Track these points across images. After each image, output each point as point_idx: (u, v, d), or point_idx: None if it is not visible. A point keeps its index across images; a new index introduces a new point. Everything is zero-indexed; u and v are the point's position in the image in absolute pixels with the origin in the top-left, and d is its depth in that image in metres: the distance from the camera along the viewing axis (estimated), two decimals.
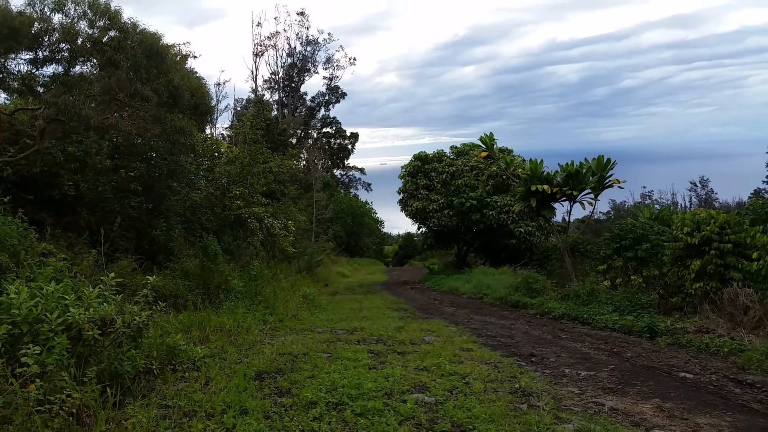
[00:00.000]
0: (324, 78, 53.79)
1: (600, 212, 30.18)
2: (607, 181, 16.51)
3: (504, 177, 23.52)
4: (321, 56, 51.80)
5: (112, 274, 5.93)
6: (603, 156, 16.45)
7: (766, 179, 34.62)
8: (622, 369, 7.10)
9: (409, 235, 56.99)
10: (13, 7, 9.70)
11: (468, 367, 6.83)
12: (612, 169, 16.46)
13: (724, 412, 5.20)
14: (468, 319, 12.47)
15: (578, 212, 21.97)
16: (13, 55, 10.19)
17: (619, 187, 17.04)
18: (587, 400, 5.60)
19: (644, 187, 36.40)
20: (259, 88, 49.17)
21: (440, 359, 7.21)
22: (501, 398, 5.51)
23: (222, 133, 36.23)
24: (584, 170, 16.54)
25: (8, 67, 10.35)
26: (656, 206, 25.89)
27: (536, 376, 6.57)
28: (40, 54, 10.29)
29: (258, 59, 48.61)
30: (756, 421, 4.99)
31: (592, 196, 16.86)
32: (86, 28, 10.37)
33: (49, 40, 10.14)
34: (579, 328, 11.04)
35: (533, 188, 16.67)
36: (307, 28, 50.48)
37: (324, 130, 56.34)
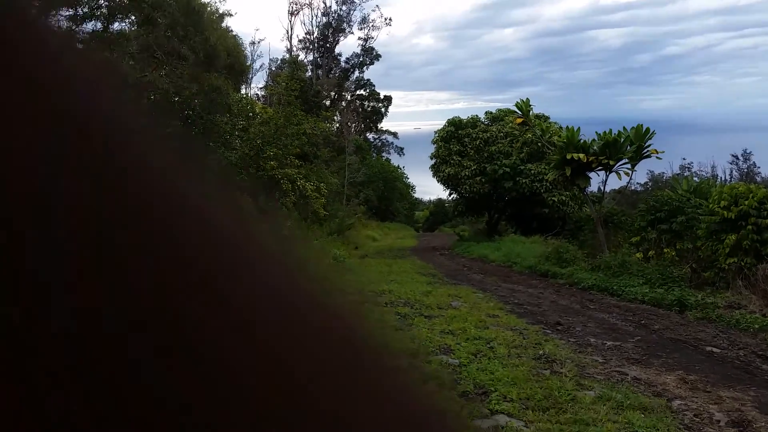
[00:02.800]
0: (359, 39, 53.31)
1: (637, 183, 29.58)
2: (646, 151, 16.16)
3: (539, 144, 23.13)
4: (356, 16, 51.42)
5: None
6: (642, 125, 16.05)
7: None
8: (648, 341, 7.10)
9: (440, 201, 56.76)
10: None
11: (493, 333, 6.93)
12: (651, 139, 16.07)
13: (748, 387, 5.19)
14: (496, 286, 12.53)
15: (614, 183, 21.55)
16: (53, 12, 10.39)
17: (657, 158, 16.68)
18: (611, 369, 5.66)
19: (684, 159, 35.46)
20: (294, 48, 49.10)
21: (466, 324, 7.32)
22: (524, 363, 5.60)
23: (257, 93, 36.46)
24: (622, 139, 16.20)
25: (48, 23, 10.58)
26: (695, 179, 25.24)
27: (561, 344, 6.63)
28: (80, 11, 10.47)
29: (293, 18, 48.46)
30: None
31: (629, 166, 16.55)
32: None
33: None
34: (608, 299, 11.00)
35: (569, 156, 16.41)
36: None
37: (358, 92, 56.05)
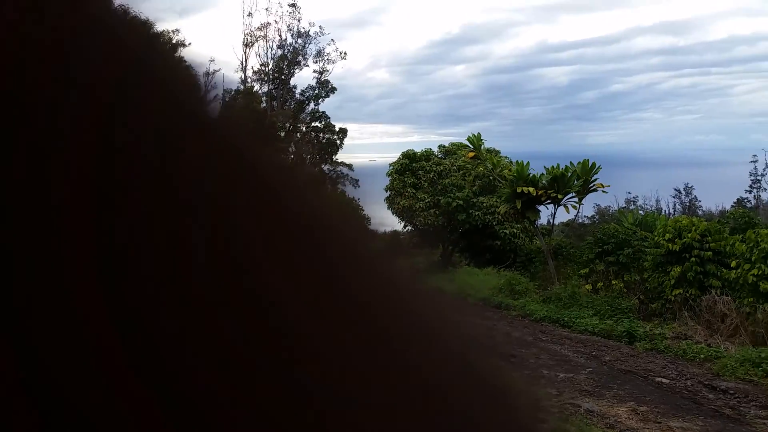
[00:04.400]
0: (314, 71, 53.44)
1: (584, 216, 30.37)
2: (592, 185, 16.68)
3: (491, 178, 23.58)
4: (312, 49, 51.35)
5: None
6: (588, 160, 16.60)
7: (748, 188, 35.15)
8: (600, 372, 7.22)
9: (394, 233, 57.07)
10: None
11: None
12: (597, 173, 16.62)
13: (696, 417, 5.32)
14: None
15: (563, 216, 22.08)
16: None
17: (603, 191, 17.26)
18: (564, 402, 5.70)
19: (629, 193, 36.71)
20: (249, 80, 48.90)
21: None
22: None
23: None
24: (569, 174, 16.69)
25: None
26: (640, 212, 26.15)
27: (515, 377, 6.64)
28: None
29: (248, 50, 48.21)
30: (726, 426, 5.11)
31: (576, 199, 17.03)
32: None
33: None
34: (560, 330, 11.15)
35: (519, 190, 16.79)
36: (299, 20, 50.03)
37: (313, 124, 56.01)
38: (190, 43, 50.59)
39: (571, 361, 7.95)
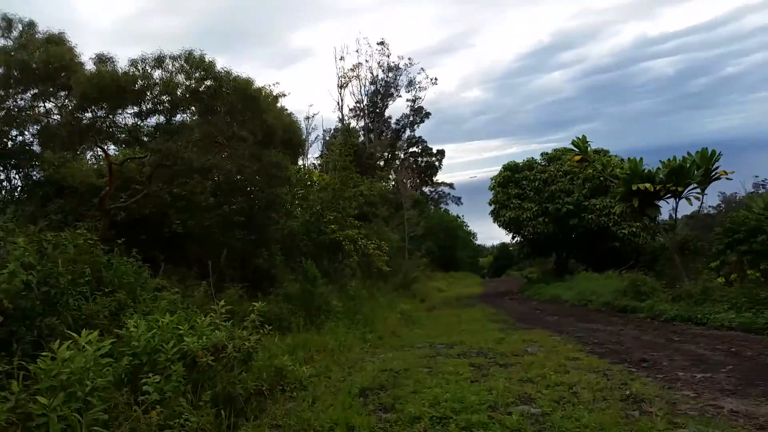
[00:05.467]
0: (407, 100, 54.62)
1: (709, 206, 28.27)
2: (714, 173, 15.57)
3: (601, 179, 22.73)
4: (403, 80, 52.53)
5: (222, 302, 6.32)
6: (707, 148, 15.56)
7: None
8: (742, 369, 6.63)
9: (503, 245, 55.98)
10: (119, 69, 10.70)
11: (575, 377, 6.62)
12: (718, 160, 15.50)
13: None
14: (572, 327, 12.08)
15: (685, 208, 20.68)
16: (120, 111, 11.20)
17: (727, 178, 16.00)
18: (704, 404, 5.29)
19: (756, 176, 33.71)
20: (346, 117, 50.64)
21: (545, 370, 7.04)
22: (611, 406, 5.31)
23: (313, 163, 37.53)
24: (688, 165, 15.71)
25: (116, 121, 11.36)
26: None
27: (648, 382, 6.27)
28: (143, 107, 11.22)
29: (343, 90, 50.08)
30: None
31: (698, 190, 15.96)
32: (184, 80, 11.24)
33: (151, 94, 11.07)
34: (693, 329, 10.42)
35: (634, 188, 16.02)
36: (388, 56, 51.62)
37: (410, 149, 56.93)
38: (289, 93, 53.10)
39: (708, 359, 7.36)
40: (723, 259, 14.22)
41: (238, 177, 13.36)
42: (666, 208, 17.10)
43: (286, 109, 17.27)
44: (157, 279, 8.46)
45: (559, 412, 5.23)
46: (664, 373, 6.80)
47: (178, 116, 11.90)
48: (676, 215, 17.58)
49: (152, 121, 11.72)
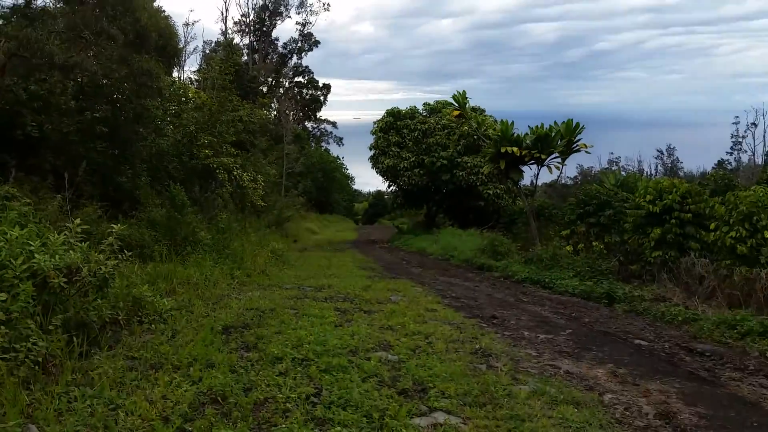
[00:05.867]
0: (297, 23, 52.40)
1: (567, 177, 30.65)
2: (575, 145, 16.66)
3: (475, 137, 23.50)
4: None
5: (78, 221, 5.82)
6: (572, 120, 16.50)
7: (729, 150, 35.51)
8: (580, 334, 7.37)
9: (379, 193, 56.88)
10: None
11: (431, 327, 6.99)
12: (581, 133, 16.58)
13: (673, 379, 5.47)
14: (434, 280, 12.68)
15: (546, 176, 22.21)
16: None
17: (586, 152, 17.26)
18: (544, 363, 5.83)
19: (611, 153, 36.99)
20: (229, 31, 47.81)
21: (405, 318, 7.36)
22: (461, 358, 5.68)
23: (190, 77, 35.16)
24: (553, 134, 16.66)
25: None
26: (622, 173, 26.38)
27: (496, 338, 6.78)
28: None
29: None
30: (702, 388, 5.27)
31: (559, 160, 17.05)
32: None
33: None
34: (540, 292, 11.34)
35: (503, 150, 16.74)
36: None
37: (296, 79, 55.17)
38: None
39: (551, 322, 8.11)
40: (573, 229, 15.53)
41: (104, 81, 12.13)
42: (529, 173, 18.23)
43: (163, 11, 15.88)
44: (6, 186, 7.61)
45: (414, 360, 5.51)
46: (511, 330, 7.38)
47: (39, 0, 10.54)
48: (536, 182, 18.81)
49: (8, 1, 10.29)
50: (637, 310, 9.13)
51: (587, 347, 6.63)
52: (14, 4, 10.29)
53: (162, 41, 12.34)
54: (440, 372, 5.14)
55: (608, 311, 9.23)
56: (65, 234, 5.58)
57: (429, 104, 28.45)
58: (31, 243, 5.05)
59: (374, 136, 27.90)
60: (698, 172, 33.00)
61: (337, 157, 54.93)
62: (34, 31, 9.52)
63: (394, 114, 27.61)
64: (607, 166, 34.30)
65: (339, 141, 61.35)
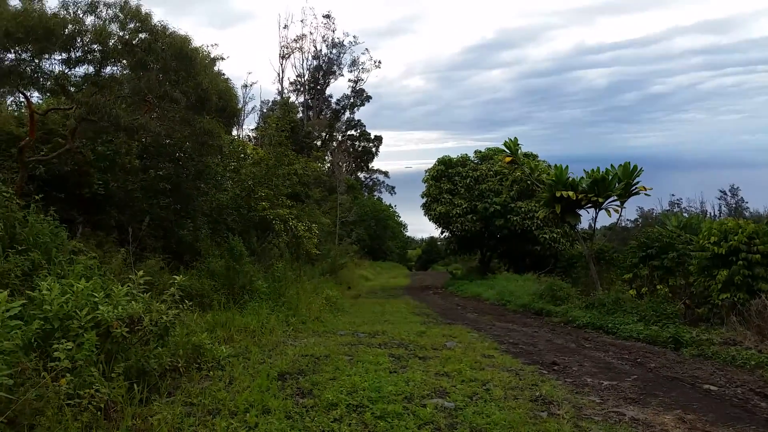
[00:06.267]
0: (349, 81, 54.12)
1: (627, 220, 29.80)
2: (634, 188, 16.28)
3: (528, 182, 23.39)
4: (346, 59, 51.89)
5: (141, 273, 6.07)
6: (629, 163, 16.21)
7: None
8: (645, 379, 7.03)
9: (432, 239, 56.86)
10: (48, 9, 9.98)
11: (489, 374, 6.82)
12: (639, 176, 16.22)
13: (747, 426, 5.12)
14: (490, 325, 12.44)
15: (604, 220, 21.60)
16: (47, 56, 10.43)
17: (645, 194, 16.79)
18: (608, 410, 5.57)
19: (672, 195, 35.77)
20: (285, 91, 49.65)
21: (461, 365, 7.21)
22: (521, 405, 5.50)
23: (248, 135, 36.63)
24: (610, 177, 16.35)
25: (42, 67, 10.60)
26: (684, 215, 25.42)
27: (558, 385, 6.54)
28: (72, 55, 10.50)
29: (284, 61, 49.06)
30: None
31: (618, 203, 16.65)
32: (117, 30, 10.59)
33: (81, 41, 10.34)
34: (603, 337, 10.94)
35: (558, 194, 16.52)
36: (333, 31, 50.79)
37: (348, 132, 56.62)
38: (228, 57, 51.56)
39: (615, 368, 7.77)
40: (636, 272, 14.96)
41: (167, 141, 12.81)
42: (586, 217, 17.82)
43: (223, 74, 16.69)
44: (74, 241, 8.03)
45: (472, 407, 5.37)
46: (573, 377, 7.10)
47: (109, 69, 11.22)
48: (595, 225, 18.34)
49: (80, 70, 11.00)
50: (705, 354, 8.64)
51: (653, 393, 6.30)
52: (85, 74, 11.05)
53: (222, 102, 12.93)
54: (499, 420, 4.99)
55: (675, 356, 8.78)
56: (128, 285, 5.82)
57: (480, 151, 28.59)
58: (96, 294, 5.28)
59: (426, 184, 28.15)
60: (765, 212, 31.42)
61: (390, 205, 55.48)
62: (102, 97, 10.18)
63: (445, 162, 27.87)
64: (668, 208, 33.18)
65: (391, 190, 62.12)
